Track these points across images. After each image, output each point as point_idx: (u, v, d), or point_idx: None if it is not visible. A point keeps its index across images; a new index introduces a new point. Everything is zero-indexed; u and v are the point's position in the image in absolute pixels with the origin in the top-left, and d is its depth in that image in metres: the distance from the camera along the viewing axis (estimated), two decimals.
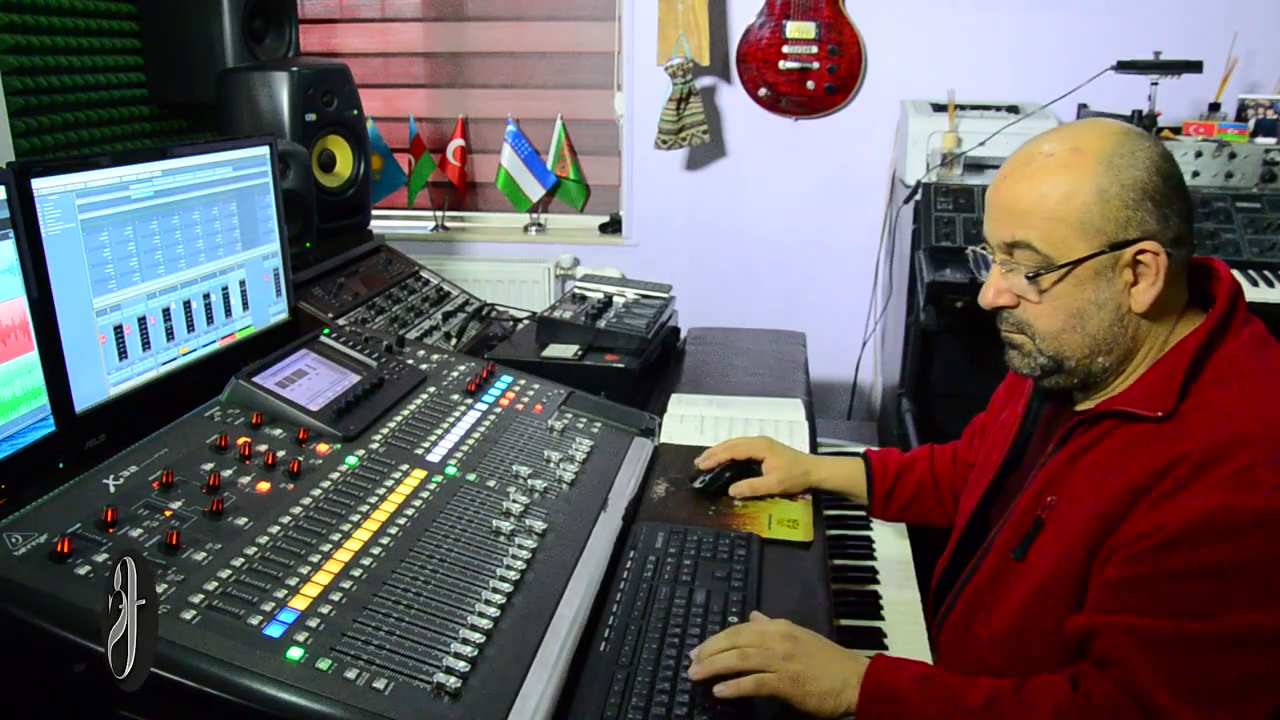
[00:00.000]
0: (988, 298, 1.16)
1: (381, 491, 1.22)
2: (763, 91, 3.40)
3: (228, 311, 1.68)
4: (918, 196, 2.74)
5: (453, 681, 0.92)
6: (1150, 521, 0.98)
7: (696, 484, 1.48)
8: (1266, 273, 2.49)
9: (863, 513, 1.62)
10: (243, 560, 1.02)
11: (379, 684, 0.90)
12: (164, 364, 1.53)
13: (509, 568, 1.13)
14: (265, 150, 1.77)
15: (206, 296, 1.63)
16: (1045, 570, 1.09)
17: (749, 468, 1.50)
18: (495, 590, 1.08)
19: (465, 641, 0.98)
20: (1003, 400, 1.42)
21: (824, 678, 1.03)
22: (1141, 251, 1.05)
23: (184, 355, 1.58)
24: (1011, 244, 1.11)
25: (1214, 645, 0.94)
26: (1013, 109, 3.03)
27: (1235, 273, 2.45)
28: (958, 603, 1.24)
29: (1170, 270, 1.06)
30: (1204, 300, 1.13)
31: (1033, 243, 1.08)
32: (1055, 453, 1.15)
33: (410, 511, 1.19)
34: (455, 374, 1.61)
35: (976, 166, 2.81)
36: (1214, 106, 2.92)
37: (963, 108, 2.96)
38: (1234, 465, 0.96)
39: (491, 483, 1.31)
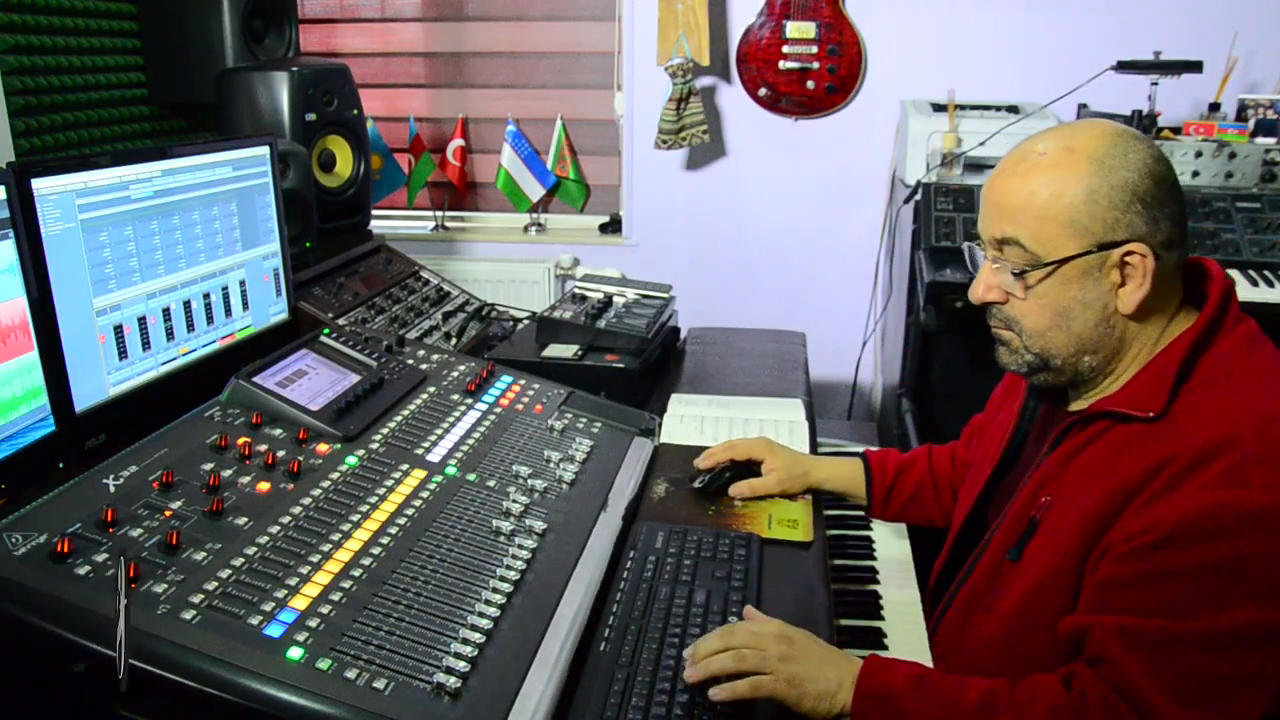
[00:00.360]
0: (977, 293, 1.17)
1: (381, 491, 1.22)
2: (763, 91, 3.40)
3: (228, 311, 1.69)
4: (918, 196, 2.74)
5: (453, 681, 0.92)
6: (1142, 521, 0.99)
7: (696, 484, 1.48)
8: (1266, 273, 2.49)
9: (863, 512, 1.62)
10: (243, 560, 1.02)
11: (379, 684, 0.90)
12: (164, 364, 1.53)
13: (509, 568, 1.13)
14: (265, 150, 1.77)
15: (206, 296, 1.63)
16: (1040, 571, 1.09)
17: (748, 468, 1.50)
18: (495, 590, 1.08)
19: (465, 641, 0.98)
20: (1000, 400, 1.43)
21: (819, 679, 1.03)
22: (1129, 253, 1.06)
23: (184, 355, 1.58)
24: (1001, 240, 1.11)
25: (1206, 644, 0.94)
26: (1013, 109, 3.03)
27: (1235, 273, 2.49)
28: (954, 603, 1.24)
29: (1159, 273, 1.06)
30: (1199, 300, 1.13)
31: (1021, 239, 1.09)
32: (1050, 453, 1.16)
33: (410, 511, 1.19)
34: (455, 374, 1.61)
35: (976, 166, 2.81)
36: (1214, 106, 2.92)
37: (963, 108, 2.96)
38: (1224, 465, 0.96)
39: (491, 483, 1.31)
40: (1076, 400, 1.19)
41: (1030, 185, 1.08)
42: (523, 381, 1.65)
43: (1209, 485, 0.96)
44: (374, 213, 2.71)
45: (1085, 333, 1.10)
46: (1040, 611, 1.08)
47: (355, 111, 2.53)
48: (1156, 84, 2.79)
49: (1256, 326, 1.12)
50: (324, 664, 0.91)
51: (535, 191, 3.65)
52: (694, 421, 1.72)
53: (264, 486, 1.17)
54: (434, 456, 1.34)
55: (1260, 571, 0.94)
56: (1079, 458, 1.11)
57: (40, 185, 1.29)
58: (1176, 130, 2.83)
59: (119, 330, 1.44)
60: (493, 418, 1.50)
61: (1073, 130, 1.11)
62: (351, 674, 0.90)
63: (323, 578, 1.03)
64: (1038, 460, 1.18)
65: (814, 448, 1.70)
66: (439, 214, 3.77)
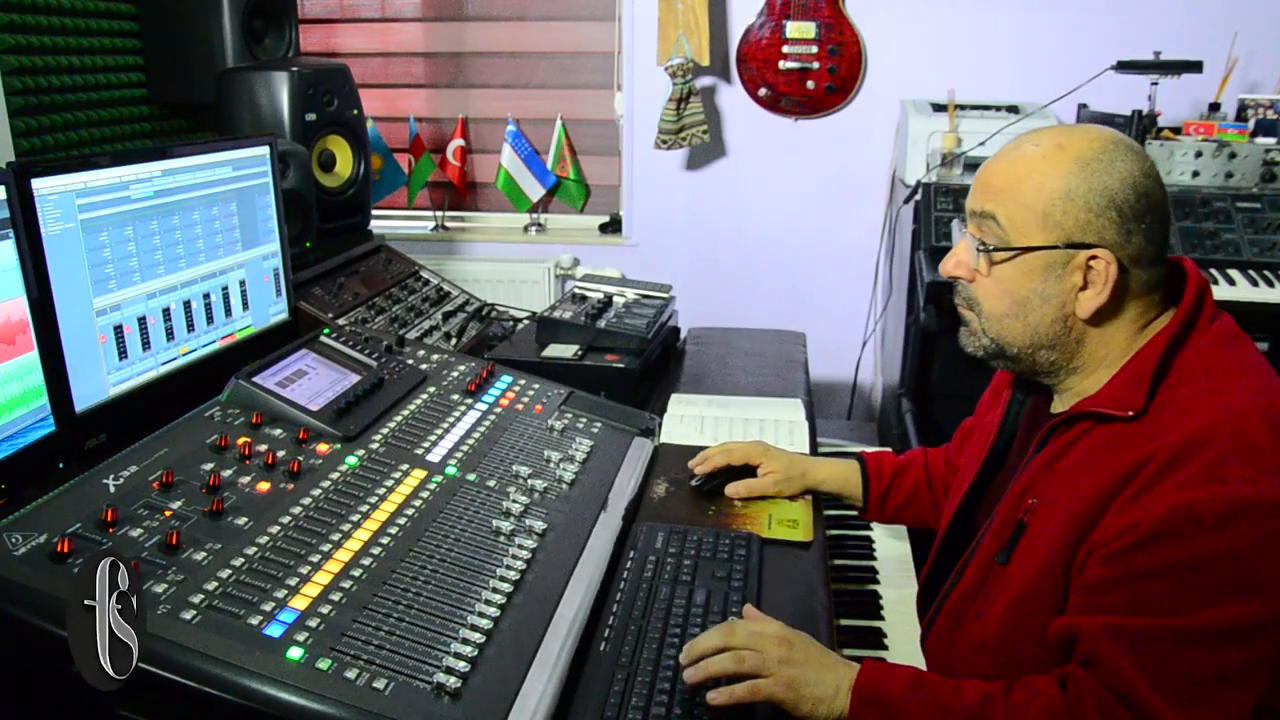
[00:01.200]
0: (947, 267, 1.19)
1: (381, 491, 1.22)
2: (763, 91, 3.40)
3: (228, 311, 1.69)
4: (918, 196, 2.74)
5: (453, 681, 0.92)
6: (1124, 520, 0.99)
7: (694, 482, 1.48)
8: (1266, 272, 2.49)
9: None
10: (243, 560, 1.02)
11: (379, 684, 0.90)
12: (164, 364, 1.53)
13: (509, 568, 1.13)
14: (265, 150, 1.77)
15: (206, 296, 1.63)
16: (1029, 573, 1.09)
17: (745, 472, 1.49)
18: (495, 590, 1.08)
19: (465, 641, 0.98)
20: (987, 404, 1.43)
21: (818, 683, 1.03)
22: (1094, 257, 1.07)
23: (184, 355, 1.58)
24: (981, 213, 1.14)
25: (1194, 639, 0.94)
26: (1013, 109, 3.04)
27: (1235, 273, 2.48)
28: (944, 607, 1.24)
29: (1120, 286, 1.07)
30: (1180, 301, 1.14)
31: (997, 216, 1.11)
32: (1035, 455, 1.16)
33: (410, 511, 1.19)
34: (455, 374, 1.61)
35: (976, 166, 2.80)
36: (1214, 106, 2.92)
37: (963, 108, 2.96)
38: (1202, 460, 0.97)
39: (491, 483, 1.31)
40: (1059, 402, 1.20)
41: (1016, 172, 1.11)
42: (523, 381, 1.65)
43: (1187, 482, 0.97)
44: (374, 213, 2.71)
45: (1041, 327, 1.12)
46: (1030, 614, 1.09)
47: (355, 111, 2.53)
48: (1156, 84, 2.79)
49: (1233, 322, 1.12)
50: (324, 664, 0.91)
51: (535, 191, 3.65)
52: (694, 421, 1.72)
53: (264, 486, 1.17)
54: (434, 456, 1.34)
55: (1243, 566, 0.94)
56: (1063, 459, 1.12)
57: (40, 185, 1.29)
58: (1176, 130, 2.83)
59: (119, 330, 1.44)
60: (493, 418, 1.50)
61: (1070, 130, 1.13)
62: (351, 674, 0.91)
63: (323, 578, 1.03)
64: (1023, 463, 1.18)
65: (814, 448, 1.70)
66: (439, 214, 3.77)
